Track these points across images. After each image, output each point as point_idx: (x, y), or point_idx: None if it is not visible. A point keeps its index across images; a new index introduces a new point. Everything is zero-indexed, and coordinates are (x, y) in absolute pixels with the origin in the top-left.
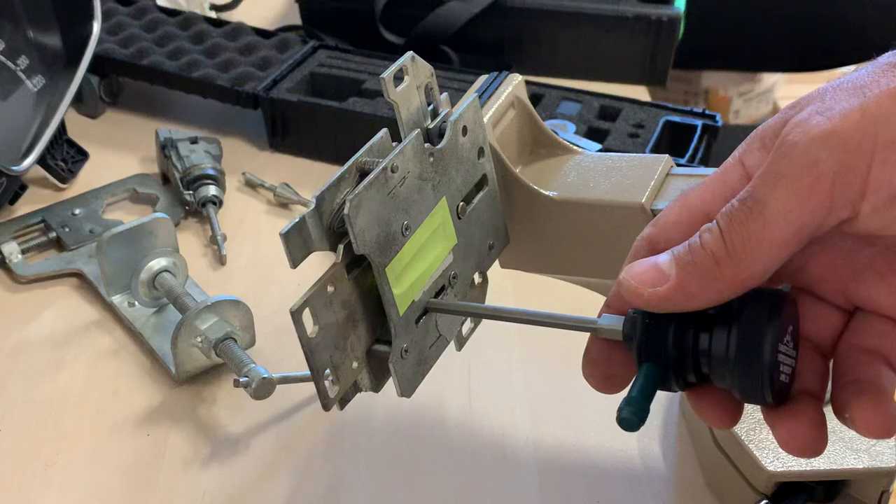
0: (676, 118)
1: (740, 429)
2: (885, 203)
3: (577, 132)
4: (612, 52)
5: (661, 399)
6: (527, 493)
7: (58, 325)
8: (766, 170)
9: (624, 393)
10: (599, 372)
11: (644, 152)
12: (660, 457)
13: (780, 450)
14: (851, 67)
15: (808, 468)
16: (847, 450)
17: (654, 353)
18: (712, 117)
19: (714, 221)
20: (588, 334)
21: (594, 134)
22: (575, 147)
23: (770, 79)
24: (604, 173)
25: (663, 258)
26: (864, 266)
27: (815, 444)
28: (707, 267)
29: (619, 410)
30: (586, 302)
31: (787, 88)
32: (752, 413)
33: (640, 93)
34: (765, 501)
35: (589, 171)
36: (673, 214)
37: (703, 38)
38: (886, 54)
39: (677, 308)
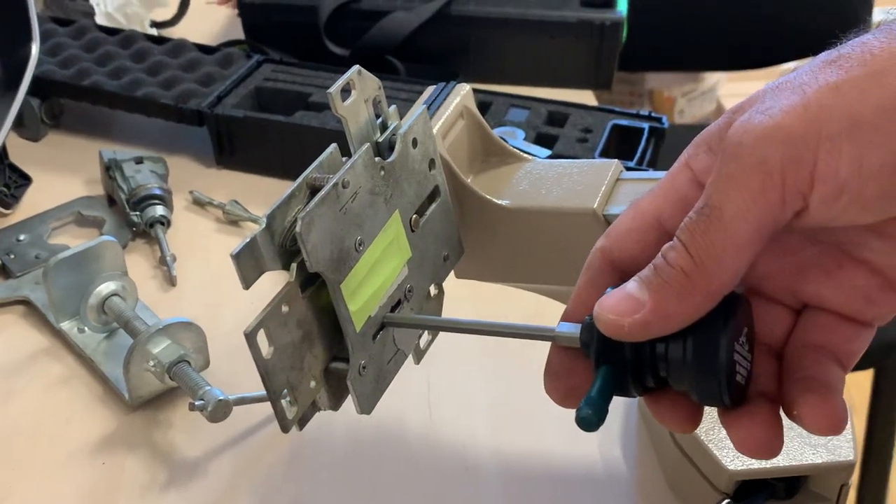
0: (623, 122)
1: (699, 429)
2: (833, 194)
3: (526, 139)
4: (557, 58)
5: (621, 402)
6: (491, 503)
7: (6, 354)
8: (717, 175)
9: None
10: (562, 385)
11: (593, 156)
12: (621, 460)
13: None
14: (791, 65)
15: (768, 466)
16: (806, 445)
17: (612, 357)
18: (658, 119)
19: (675, 238)
20: (547, 343)
21: (543, 140)
22: (525, 155)
23: (712, 78)
24: (555, 180)
25: (632, 285)
26: (810, 264)
27: (771, 444)
28: (679, 284)
29: (578, 410)
30: (543, 309)
31: (729, 86)
32: (711, 413)
33: (587, 97)
34: (727, 500)
35: (540, 179)
36: (626, 223)
37: (646, 41)
38: (823, 53)
39: (660, 332)
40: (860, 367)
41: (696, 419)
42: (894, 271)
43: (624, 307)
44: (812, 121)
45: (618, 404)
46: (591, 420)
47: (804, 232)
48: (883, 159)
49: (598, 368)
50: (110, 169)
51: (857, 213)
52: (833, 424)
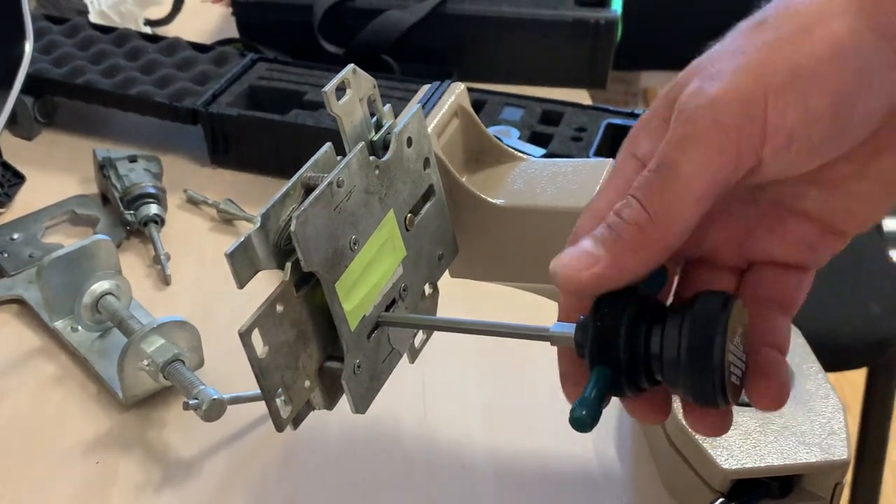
0: (618, 121)
1: None
2: (784, 144)
3: (520, 137)
4: (552, 57)
5: (615, 402)
6: (485, 502)
7: None
8: (672, 137)
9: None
10: (579, 389)
11: (588, 155)
12: (616, 459)
13: (735, 448)
14: None
15: (762, 465)
16: (800, 444)
17: (606, 357)
18: None
19: (628, 196)
20: (542, 343)
21: (538, 139)
22: (520, 154)
23: None
24: (549, 179)
25: (587, 242)
26: (754, 225)
27: (723, 423)
28: (633, 237)
29: (572, 411)
30: (538, 309)
31: None
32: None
33: (582, 96)
34: (721, 500)
35: (535, 178)
36: (584, 227)
37: (640, 40)
38: (746, 19)
39: (612, 285)
40: (854, 365)
41: (665, 410)
42: (830, 216)
43: (582, 262)
44: (758, 79)
45: (613, 404)
46: (584, 421)
47: (751, 190)
48: (825, 103)
49: (593, 369)
50: (104, 167)
51: (806, 160)
52: (777, 402)
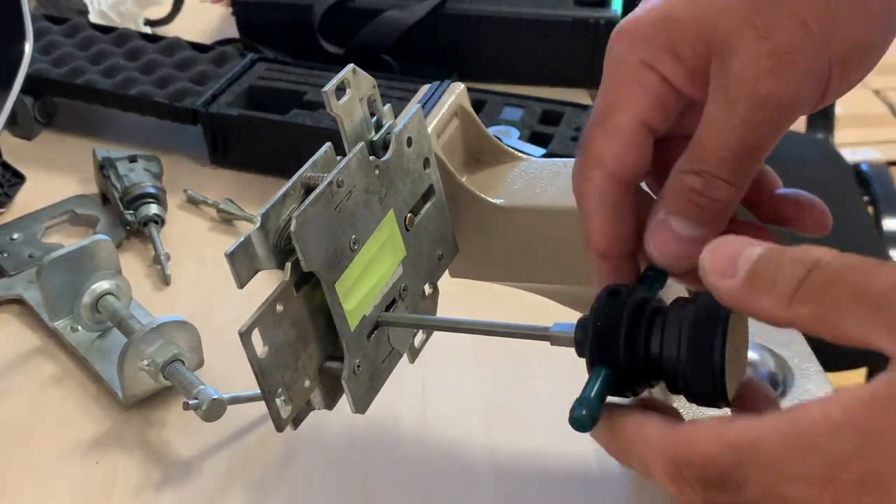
0: None
1: None
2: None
3: (520, 137)
4: (552, 57)
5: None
6: (484, 502)
7: None
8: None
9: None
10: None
11: None
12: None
13: None
14: None
15: None
16: None
17: (606, 357)
18: None
19: (710, 175)
20: (542, 344)
21: (538, 139)
22: (520, 154)
23: None
24: (549, 179)
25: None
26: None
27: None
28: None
29: (572, 410)
30: (538, 308)
31: None
32: (704, 410)
33: (581, 95)
34: None
35: (535, 178)
36: (614, 145)
37: None
38: None
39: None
40: (854, 365)
41: None
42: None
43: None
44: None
45: None
46: (584, 420)
47: None
48: None
49: (593, 369)
50: (104, 167)
51: None
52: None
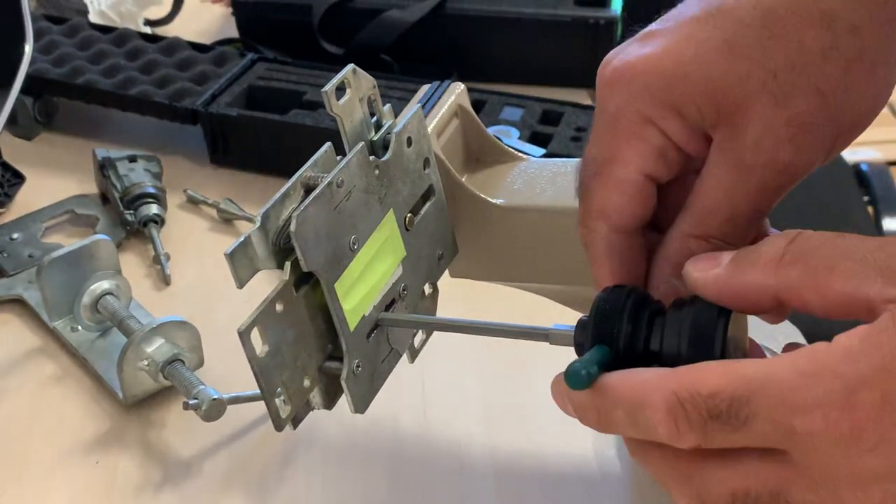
0: None
1: None
2: None
3: (520, 137)
4: (552, 56)
5: None
6: (484, 502)
7: None
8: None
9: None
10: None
11: None
12: (615, 459)
13: None
14: None
15: None
16: None
17: (606, 336)
18: None
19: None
20: (542, 344)
21: (537, 138)
22: (520, 154)
23: None
24: (549, 179)
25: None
26: None
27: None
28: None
29: (569, 366)
30: (538, 309)
31: None
32: None
33: (581, 95)
34: None
35: (535, 178)
36: (617, 198)
37: None
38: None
39: None
40: None
41: None
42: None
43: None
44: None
45: None
46: (578, 372)
47: None
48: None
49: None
50: (104, 167)
51: None
52: None
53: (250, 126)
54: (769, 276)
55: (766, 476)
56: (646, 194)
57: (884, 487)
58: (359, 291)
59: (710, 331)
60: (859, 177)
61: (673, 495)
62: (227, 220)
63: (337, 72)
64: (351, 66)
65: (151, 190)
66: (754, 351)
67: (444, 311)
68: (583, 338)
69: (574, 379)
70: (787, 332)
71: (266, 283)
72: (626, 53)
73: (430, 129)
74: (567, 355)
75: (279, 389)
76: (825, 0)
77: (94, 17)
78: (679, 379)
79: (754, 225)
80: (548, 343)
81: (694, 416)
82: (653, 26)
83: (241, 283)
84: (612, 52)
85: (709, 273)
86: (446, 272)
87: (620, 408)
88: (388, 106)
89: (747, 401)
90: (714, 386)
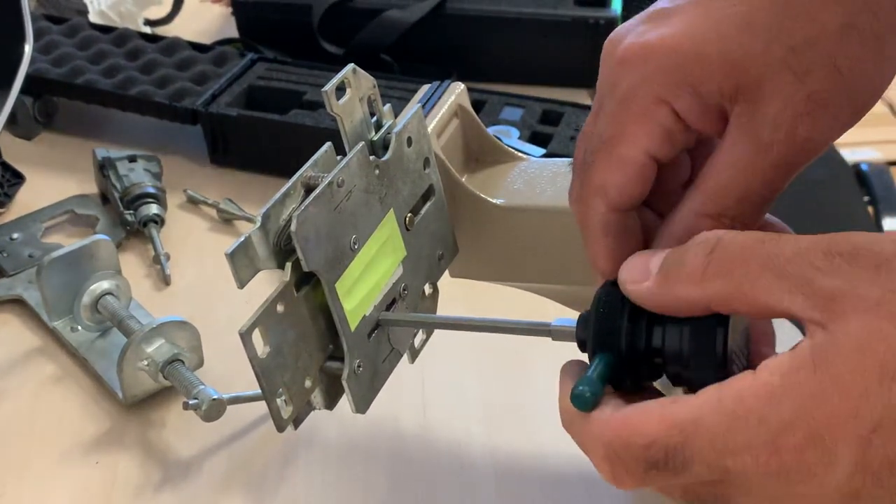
0: None
1: None
2: None
3: (520, 137)
4: (552, 56)
5: None
6: (484, 502)
7: None
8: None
9: None
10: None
11: None
12: None
13: None
14: None
15: None
16: None
17: (608, 339)
18: None
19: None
20: (543, 343)
21: (538, 138)
22: (520, 154)
23: None
24: (549, 179)
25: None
26: None
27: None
28: None
29: (573, 388)
30: (537, 308)
31: None
32: None
33: (581, 95)
34: None
35: (535, 178)
36: (618, 177)
37: None
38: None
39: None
40: None
41: None
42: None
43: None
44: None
45: None
46: (585, 397)
47: None
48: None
49: (595, 356)
50: (104, 167)
51: None
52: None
53: (250, 126)
54: (696, 289)
55: (710, 488)
56: (647, 174)
57: None
58: (359, 291)
59: (711, 333)
60: (859, 177)
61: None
62: (227, 220)
63: (337, 72)
64: (351, 65)
65: (151, 190)
66: (765, 335)
67: (444, 311)
68: (584, 334)
69: (579, 402)
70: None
71: (266, 283)
72: (639, 32)
73: (430, 129)
74: (568, 354)
75: (280, 390)
76: None
77: (93, 17)
78: (614, 431)
79: (766, 205)
80: (549, 342)
81: (632, 465)
82: (664, 3)
83: (241, 284)
84: (620, 29)
85: (641, 286)
86: (446, 272)
87: (582, 446)
88: (388, 106)
89: (682, 448)
90: (649, 436)
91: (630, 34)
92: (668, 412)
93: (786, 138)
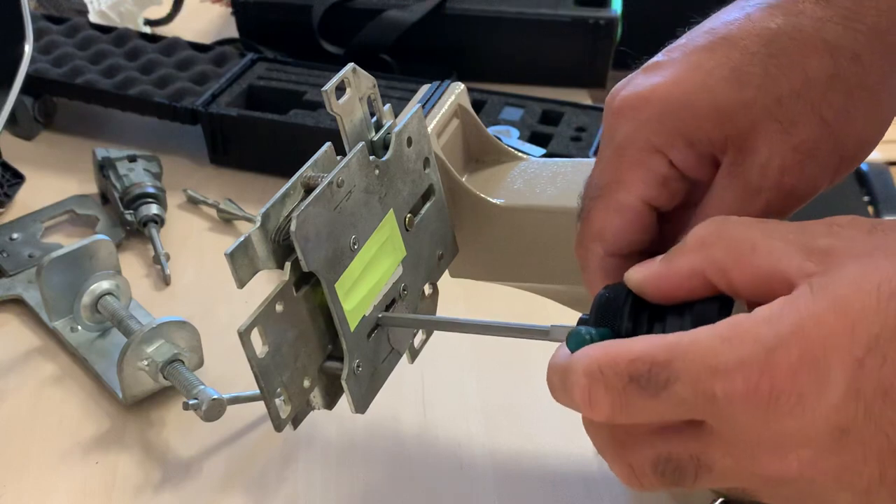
0: None
1: None
2: None
3: (520, 137)
4: (552, 56)
5: None
6: (484, 502)
7: None
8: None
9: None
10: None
11: (587, 155)
12: None
13: None
14: None
15: None
16: None
17: (609, 322)
18: None
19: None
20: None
21: (537, 138)
22: (520, 153)
23: None
24: (549, 179)
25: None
26: None
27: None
28: None
29: (572, 330)
30: (537, 308)
31: None
32: None
33: (581, 95)
34: (721, 500)
35: (535, 178)
36: (616, 222)
37: (640, 39)
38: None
39: None
40: None
41: None
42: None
43: None
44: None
45: None
46: (582, 334)
47: None
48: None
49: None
50: (104, 167)
51: None
52: None
53: (250, 126)
54: (696, 257)
55: (685, 442)
56: (644, 221)
57: (800, 454)
58: (359, 291)
59: (711, 313)
60: (859, 177)
61: (609, 465)
62: (227, 220)
63: (337, 71)
64: (351, 65)
65: (151, 190)
66: None
67: (444, 311)
68: None
69: (576, 338)
70: None
71: (266, 283)
72: (634, 84)
73: (430, 129)
74: None
75: (279, 390)
76: (827, 30)
77: (93, 17)
78: (605, 349)
79: None
80: (548, 343)
81: (612, 380)
82: (658, 57)
83: (241, 284)
84: (619, 84)
85: (649, 269)
86: (446, 272)
87: (557, 374)
88: (388, 106)
89: (668, 364)
90: (636, 353)
91: (626, 86)
92: (658, 337)
93: (773, 186)
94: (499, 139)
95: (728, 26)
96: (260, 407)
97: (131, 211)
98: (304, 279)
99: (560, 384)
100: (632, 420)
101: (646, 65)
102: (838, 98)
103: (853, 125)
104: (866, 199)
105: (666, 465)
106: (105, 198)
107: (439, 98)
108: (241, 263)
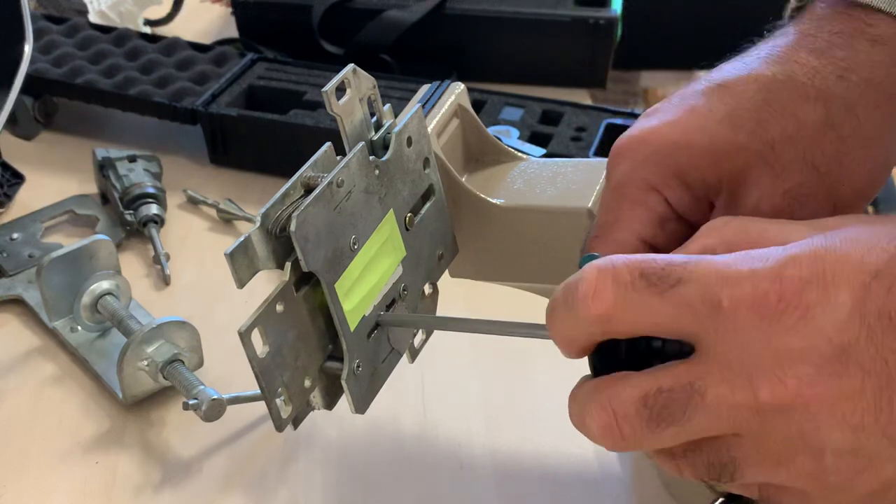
0: (618, 120)
1: None
2: None
3: (520, 137)
4: (552, 56)
5: None
6: (484, 502)
7: None
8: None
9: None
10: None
11: (587, 155)
12: (616, 459)
13: None
14: None
15: None
16: None
17: (609, 361)
18: None
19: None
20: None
21: (537, 138)
22: (520, 153)
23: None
24: (549, 179)
25: None
26: None
27: None
28: None
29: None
30: (537, 308)
31: None
32: None
33: (581, 95)
34: (721, 500)
35: (535, 178)
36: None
37: (640, 39)
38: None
39: None
40: None
41: None
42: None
43: None
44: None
45: None
46: (593, 255)
47: None
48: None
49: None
50: (104, 167)
51: None
52: None
53: (250, 126)
54: (707, 238)
55: (678, 372)
56: None
57: (800, 372)
58: (359, 291)
59: None
60: None
61: (585, 421)
62: (226, 220)
63: (337, 72)
64: (351, 65)
65: (151, 190)
66: None
67: (444, 311)
68: None
69: (587, 260)
70: None
71: (266, 283)
72: (633, 128)
73: (430, 129)
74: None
75: (280, 390)
76: (820, 78)
77: (93, 17)
78: (625, 256)
79: None
80: (548, 342)
81: (623, 275)
82: (658, 105)
83: (241, 284)
84: (624, 132)
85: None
86: (446, 272)
87: (565, 288)
88: (388, 106)
89: (683, 265)
90: (654, 257)
91: (627, 131)
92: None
93: None
94: (499, 139)
95: (726, 76)
96: (260, 407)
97: (131, 211)
98: (304, 279)
99: (567, 287)
100: (628, 316)
101: (646, 111)
102: (830, 146)
103: (846, 173)
104: None
105: (655, 400)
106: (105, 198)
107: (439, 98)
108: (241, 263)
